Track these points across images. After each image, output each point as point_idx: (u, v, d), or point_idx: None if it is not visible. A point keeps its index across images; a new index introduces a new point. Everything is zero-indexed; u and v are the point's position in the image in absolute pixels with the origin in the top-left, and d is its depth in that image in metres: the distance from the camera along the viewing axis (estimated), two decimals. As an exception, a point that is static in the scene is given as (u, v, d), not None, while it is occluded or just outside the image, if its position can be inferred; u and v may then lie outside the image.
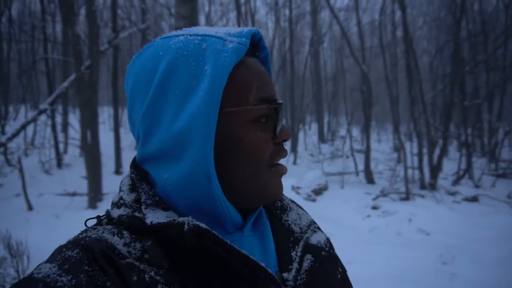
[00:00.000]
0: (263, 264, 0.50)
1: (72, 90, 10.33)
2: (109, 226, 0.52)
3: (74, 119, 14.45)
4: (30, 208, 6.25)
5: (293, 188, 7.79)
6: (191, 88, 0.51)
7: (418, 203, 7.53)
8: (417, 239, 5.38)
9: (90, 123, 6.69)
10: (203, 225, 0.48)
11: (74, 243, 0.49)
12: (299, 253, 0.59)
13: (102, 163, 7.33)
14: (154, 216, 0.50)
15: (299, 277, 0.56)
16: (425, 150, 9.61)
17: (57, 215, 5.80)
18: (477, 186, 9.36)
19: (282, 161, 0.60)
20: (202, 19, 17.60)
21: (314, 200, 7.48)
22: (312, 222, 0.67)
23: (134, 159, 0.61)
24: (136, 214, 0.52)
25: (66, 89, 7.46)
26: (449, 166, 11.44)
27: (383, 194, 8.24)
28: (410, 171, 9.05)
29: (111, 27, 8.69)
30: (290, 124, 14.45)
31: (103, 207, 6.49)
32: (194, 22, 5.35)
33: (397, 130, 11.27)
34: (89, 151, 6.77)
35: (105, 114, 19.26)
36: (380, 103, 21.57)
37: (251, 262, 0.49)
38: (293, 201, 0.70)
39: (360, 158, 11.67)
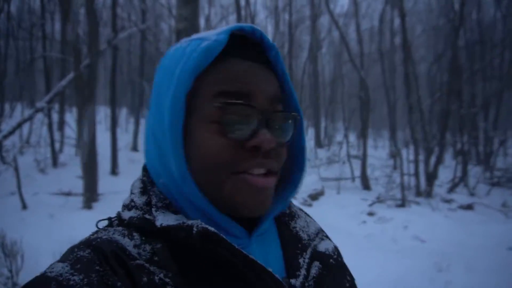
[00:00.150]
0: (270, 269, 0.50)
1: (69, 89, 10.30)
2: (120, 228, 0.53)
3: (70, 118, 14.39)
4: (24, 207, 6.20)
5: (289, 192, 7.78)
6: (166, 93, 0.52)
7: (413, 210, 7.55)
8: (412, 246, 5.39)
9: (87, 123, 6.66)
10: (212, 229, 0.48)
11: (85, 243, 0.49)
12: (306, 260, 0.59)
13: (98, 163, 7.30)
14: (164, 219, 0.51)
15: (306, 284, 0.56)
16: (421, 157, 9.66)
17: (51, 214, 5.76)
18: (472, 194, 9.40)
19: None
20: (201, 21, 17.63)
21: (310, 205, 7.48)
22: (320, 230, 0.67)
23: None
24: (147, 216, 0.52)
25: (64, 87, 7.43)
26: (445, 174, 11.50)
27: (379, 200, 8.25)
28: (406, 178, 9.08)
29: (111, 27, 8.68)
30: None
31: (99, 207, 6.45)
32: (195, 24, 5.36)
33: (394, 137, 11.31)
34: (85, 150, 6.74)
35: (101, 114, 19.20)
36: (377, 110, 21.68)
37: (258, 267, 0.49)
38: (301, 209, 0.70)
39: (357, 164, 11.70)
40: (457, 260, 4.48)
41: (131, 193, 0.58)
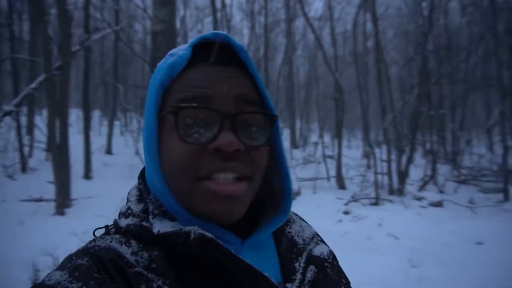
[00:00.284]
0: (266, 274, 0.51)
1: (40, 91, 9.93)
2: (117, 235, 0.53)
3: (40, 121, 13.87)
4: (-8, 214, 5.93)
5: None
6: (146, 107, 0.56)
7: (387, 208, 7.78)
8: (387, 243, 5.55)
9: (60, 126, 6.46)
10: (209, 234, 0.48)
11: (83, 251, 0.49)
12: (302, 264, 0.59)
13: (71, 167, 7.09)
14: (161, 226, 0.51)
15: None
16: (393, 157, 9.97)
17: (22, 222, 5.53)
18: (441, 192, 9.79)
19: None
20: (176, 23, 17.45)
21: (287, 206, 7.56)
22: (316, 235, 0.67)
23: (144, 170, 0.62)
24: (144, 223, 0.53)
25: (33, 90, 7.17)
26: (415, 172, 11.90)
27: (354, 199, 8.45)
28: (379, 177, 9.35)
29: (83, 28, 8.46)
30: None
31: (72, 213, 6.25)
32: (171, 26, 5.33)
33: (368, 137, 11.61)
34: (57, 154, 6.53)
35: (73, 116, 18.61)
36: (350, 110, 22.16)
37: (254, 272, 0.50)
38: (296, 214, 0.70)
39: (332, 164, 11.92)
40: (429, 256, 4.65)
41: (128, 200, 0.58)
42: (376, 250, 5.08)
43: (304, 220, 0.71)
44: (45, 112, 10.73)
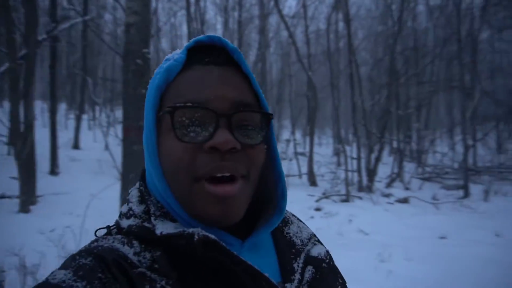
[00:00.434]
0: (267, 274, 0.52)
1: (1, 82, 9.39)
2: (119, 236, 0.54)
3: (1, 113, 13.12)
4: (-51, 211, 5.58)
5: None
6: (145, 110, 0.58)
7: (357, 205, 8.01)
8: (357, 238, 5.73)
9: (24, 118, 6.15)
10: (212, 236, 0.49)
11: (87, 251, 0.50)
12: (300, 265, 0.60)
13: (36, 163, 6.78)
14: (164, 227, 0.52)
15: None
16: (362, 154, 10.27)
17: (-17, 219, 5.25)
18: (407, 189, 10.20)
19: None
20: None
21: (261, 202, 7.62)
22: (313, 235, 0.69)
23: (144, 171, 0.63)
24: (146, 224, 0.53)
25: (-5, 80, 6.77)
26: (383, 170, 12.33)
27: (325, 196, 8.64)
28: (349, 174, 9.60)
29: (50, 16, 8.07)
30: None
31: (38, 210, 5.99)
32: (146, 18, 5.20)
33: (339, 135, 11.87)
34: (21, 148, 6.22)
35: (37, 109, 17.77)
36: (320, 109, 22.56)
37: (255, 272, 0.51)
38: (293, 215, 0.72)
39: (303, 161, 12.11)
40: (397, 250, 4.85)
41: (129, 201, 0.59)
42: (347, 246, 5.24)
43: (301, 221, 0.72)
44: (7, 104, 10.15)
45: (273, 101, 21.78)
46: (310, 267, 0.60)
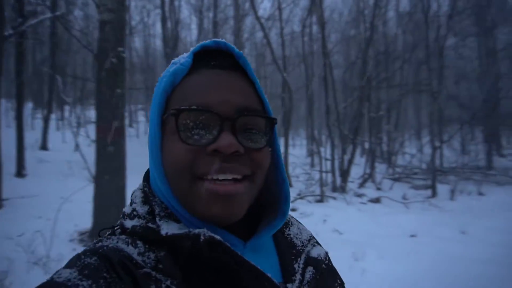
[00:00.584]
0: (269, 275, 0.53)
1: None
2: (123, 236, 0.54)
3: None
4: None
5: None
6: (151, 112, 0.59)
7: (331, 205, 8.17)
8: (332, 238, 5.84)
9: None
10: (218, 237, 0.50)
11: (91, 251, 0.50)
12: (301, 265, 0.61)
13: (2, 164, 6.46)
14: (169, 227, 0.52)
15: None
16: (335, 156, 10.49)
17: None
18: (378, 189, 10.50)
19: None
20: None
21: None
22: (312, 237, 0.70)
23: (148, 172, 0.63)
24: (150, 225, 0.54)
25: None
26: (355, 170, 12.64)
27: (300, 196, 8.75)
28: (323, 175, 9.78)
29: (17, 11, 7.72)
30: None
31: (4, 215, 5.71)
32: (121, 16, 5.08)
33: (313, 136, 12.06)
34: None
35: (1, 108, 16.93)
36: (294, 110, 22.81)
37: (258, 273, 0.52)
38: (293, 217, 0.73)
39: (279, 162, 12.19)
40: (370, 249, 4.99)
41: (133, 202, 0.59)
42: (323, 245, 5.32)
43: (300, 223, 0.73)
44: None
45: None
46: (310, 268, 0.62)
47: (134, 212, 0.57)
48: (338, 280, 0.67)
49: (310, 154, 15.58)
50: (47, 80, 12.87)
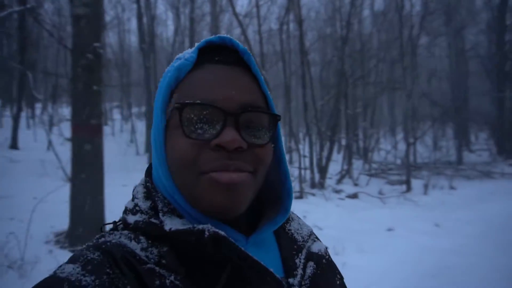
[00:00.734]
0: (271, 270, 0.53)
1: None
2: (126, 231, 0.54)
3: None
4: None
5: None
6: (155, 107, 0.59)
7: (310, 201, 8.28)
8: (312, 233, 5.94)
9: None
10: (222, 233, 0.50)
11: (94, 246, 0.50)
12: (302, 260, 0.62)
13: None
14: (172, 223, 0.53)
15: (303, 283, 0.59)
16: (313, 153, 10.63)
17: None
18: (355, 185, 10.73)
19: None
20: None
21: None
22: (312, 232, 0.71)
23: (150, 167, 0.63)
24: (153, 220, 0.54)
25: None
26: (332, 167, 12.85)
27: (280, 193, 8.81)
28: (302, 171, 9.89)
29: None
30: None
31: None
32: (97, 10, 4.94)
33: (292, 133, 12.16)
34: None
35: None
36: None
37: (261, 268, 0.52)
38: (293, 212, 0.73)
39: (258, 160, 12.22)
40: (350, 243, 5.10)
41: (135, 197, 0.59)
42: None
43: (300, 218, 0.74)
44: None
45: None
46: (311, 263, 0.62)
47: (137, 207, 0.57)
48: (338, 275, 0.67)
49: (289, 151, 15.71)
50: (17, 76, 12.34)
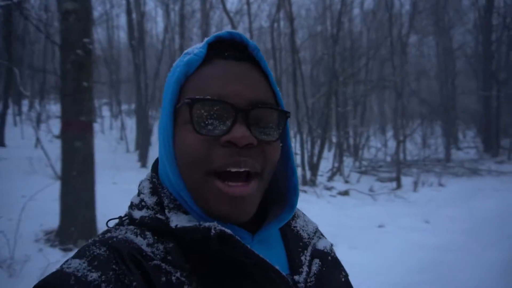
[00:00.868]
0: (277, 267, 0.53)
1: None
2: (132, 227, 0.54)
3: None
4: None
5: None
6: (163, 102, 0.58)
7: (302, 198, 8.28)
8: (304, 230, 5.97)
9: None
10: (228, 231, 0.50)
11: (101, 242, 0.50)
12: (308, 258, 0.62)
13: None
14: (178, 220, 0.52)
15: (308, 280, 0.59)
16: (305, 150, 10.67)
17: None
18: (346, 182, 10.80)
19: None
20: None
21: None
22: (317, 229, 0.72)
23: (156, 162, 0.62)
24: (159, 216, 0.54)
25: None
26: (323, 164, 12.92)
27: (272, 190, 8.83)
28: (293, 169, 9.91)
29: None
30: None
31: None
32: (86, 5, 4.86)
33: (283, 132, 12.18)
34: None
35: None
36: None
37: (267, 265, 0.52)
38: (298, 209, 0.73)
39: (249, 157, 12.21)
40: (342, 240, 5.14)
41: (141, 193, 0.58)
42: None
43: (305, 215, 0.75)
44: None
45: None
46: (316, 260, 0.62)
47: (143, 203, 0.56)
48: (343, 272, 0.68)
49: (279, 148, 15.77)
50: (3, 72, 12.09)
